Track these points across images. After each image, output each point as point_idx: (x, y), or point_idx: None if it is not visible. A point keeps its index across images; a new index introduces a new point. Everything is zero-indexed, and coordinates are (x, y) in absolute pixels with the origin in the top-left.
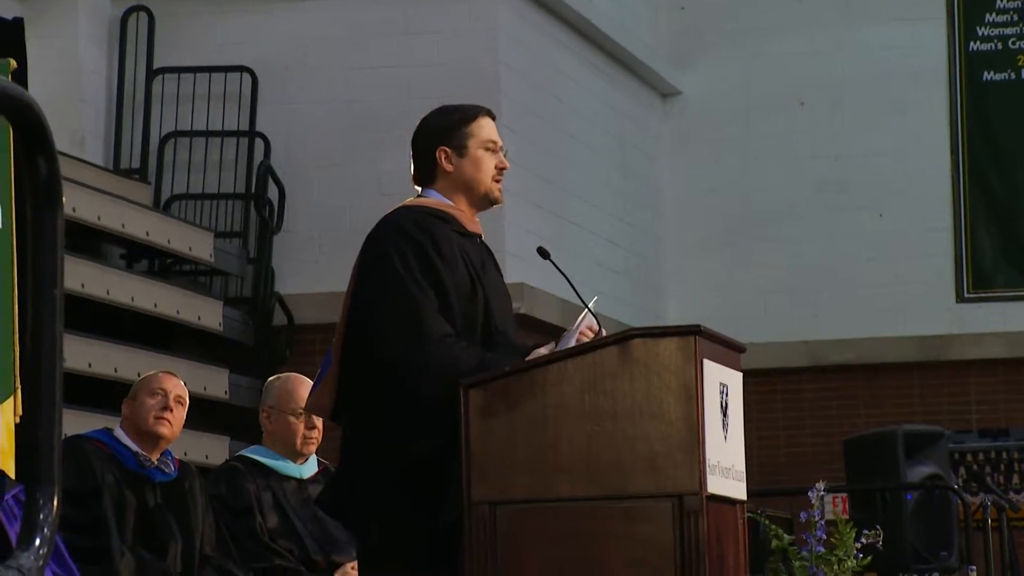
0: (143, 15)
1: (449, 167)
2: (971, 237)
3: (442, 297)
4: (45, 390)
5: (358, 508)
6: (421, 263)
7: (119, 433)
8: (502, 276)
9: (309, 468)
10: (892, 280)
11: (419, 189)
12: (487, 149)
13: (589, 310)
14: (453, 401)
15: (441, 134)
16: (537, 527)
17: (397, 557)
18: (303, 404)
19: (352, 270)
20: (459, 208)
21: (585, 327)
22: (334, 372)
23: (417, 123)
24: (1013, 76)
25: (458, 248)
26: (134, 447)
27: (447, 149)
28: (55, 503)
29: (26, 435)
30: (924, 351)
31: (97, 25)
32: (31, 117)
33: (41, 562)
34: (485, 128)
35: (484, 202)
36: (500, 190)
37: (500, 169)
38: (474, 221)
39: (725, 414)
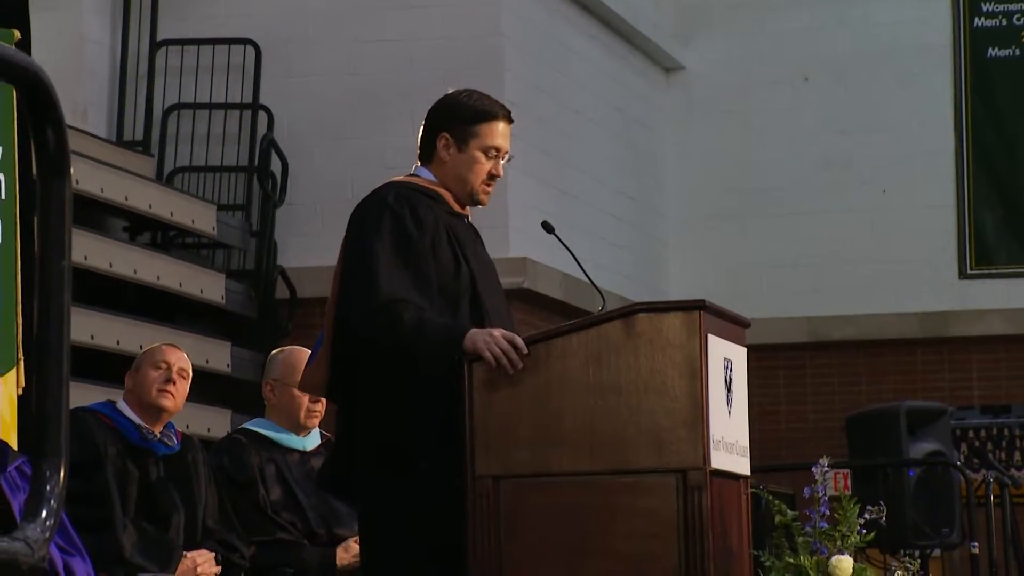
0: None
1: (445, 156)
2: (974, 213)
3: (417, 267)
4: (53, 362)
5: (355, 485)
6: (396, 234)
7: (122, 406)
8: (489, 257)
9: (312, 441)
10: (895, 256)
11: (417, 164)
12: (487, 154)
13: (596, 287)
14: (438, 378)
15: (449, 121)
16: (540, 501)
17: (397, 533)
18: None
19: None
20: (446, 190)
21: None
22: (326, 350)
23: (419, 96)
24: (1017, 52)
25: (444, 225)
26: (137, 420)
27: (448, 137)
28: (62, 475)
29: (33, 407)
30: (926, 327)
31: None
32: (40, 86)
33: (48, 534)
34: (493, 132)
35: (467, 199)
36: (487, 194)
37: (492, 176)
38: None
39: (729, 389)
